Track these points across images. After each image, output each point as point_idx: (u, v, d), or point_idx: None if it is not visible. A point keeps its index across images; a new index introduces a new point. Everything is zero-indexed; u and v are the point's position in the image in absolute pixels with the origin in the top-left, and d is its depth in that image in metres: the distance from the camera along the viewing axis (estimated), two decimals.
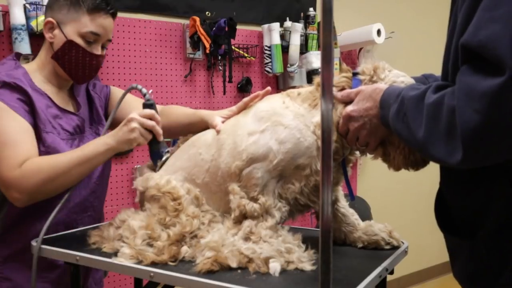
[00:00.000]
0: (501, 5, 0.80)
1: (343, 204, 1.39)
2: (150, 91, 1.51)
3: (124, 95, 1.54)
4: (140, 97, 1.63)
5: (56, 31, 1.53)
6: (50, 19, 1.54)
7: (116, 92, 1.79)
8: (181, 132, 1.61)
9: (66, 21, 1.52)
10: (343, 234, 1.38)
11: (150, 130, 1.42)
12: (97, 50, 1.56)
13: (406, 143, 1.04)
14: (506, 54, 0.77)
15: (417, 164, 1.18)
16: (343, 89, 1.22)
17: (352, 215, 1.39)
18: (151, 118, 1.43)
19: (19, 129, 1.43)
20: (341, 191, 1.41)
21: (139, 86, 1.49)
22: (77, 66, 1.55)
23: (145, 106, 1.48)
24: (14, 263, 1.53)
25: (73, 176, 1.43)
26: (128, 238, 1.29)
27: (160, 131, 1.44)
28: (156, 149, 1.47)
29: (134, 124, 1.39)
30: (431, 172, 1.26)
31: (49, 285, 1.56)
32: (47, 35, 1.55)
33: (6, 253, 1.53)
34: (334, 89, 1.21)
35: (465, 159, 0.85)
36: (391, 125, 1.04)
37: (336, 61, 3.37)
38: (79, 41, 1.52)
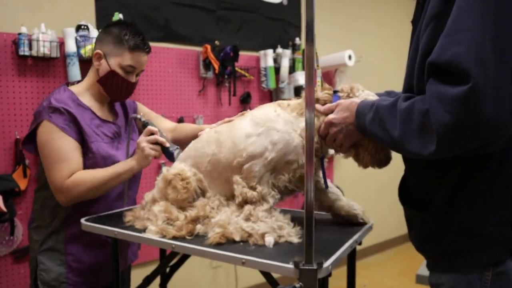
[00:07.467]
0: (460, 32, 0.81)
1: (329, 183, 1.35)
2: (141, 114, 1.64)
3: (131, 120, 1.59)
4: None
5: (102, 61, 1.52)
6: (99, 51, 1.52)
7: (141, 106, 1.80)
8: (189, 142, 1.63)
9: (111, 54, 1.51)
10: (329, 202, 1.33)
11: (156, 143, 1.45)
12: (133, 79, 1.55)
13: (382, 143, 1.01)
14: (470, 68, 0.78)
15: (380, 163, 1.18)
16: (325, 103, 1.21)
17: (336, 188, 1.36)
18: (151, 133, 1.46)
19: (69, 147, 1.43)
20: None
21: (134, 115, 1.58)
22: (116, 90, 1.54)
23: (143, 125, 1.54)
24: (75, 242, 1.53)
25: (107, 187, 1.45)
26: (152, 220, 1.28)
27: (162, 139, 1.46)
28: (167, 152, 1.47)
29: (143, 144, 1.44)
30: (389, 169, 1.25)
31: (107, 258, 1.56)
32: (95, 63, 1.53)
33: (69, 236, 1.52)
34: (318, 104, 1.20)
35: (437, 151, 0.85)
36: (368, 129, 1.03)
37: (318, 79, 3.36)
38: (120, 71, 1.51)
